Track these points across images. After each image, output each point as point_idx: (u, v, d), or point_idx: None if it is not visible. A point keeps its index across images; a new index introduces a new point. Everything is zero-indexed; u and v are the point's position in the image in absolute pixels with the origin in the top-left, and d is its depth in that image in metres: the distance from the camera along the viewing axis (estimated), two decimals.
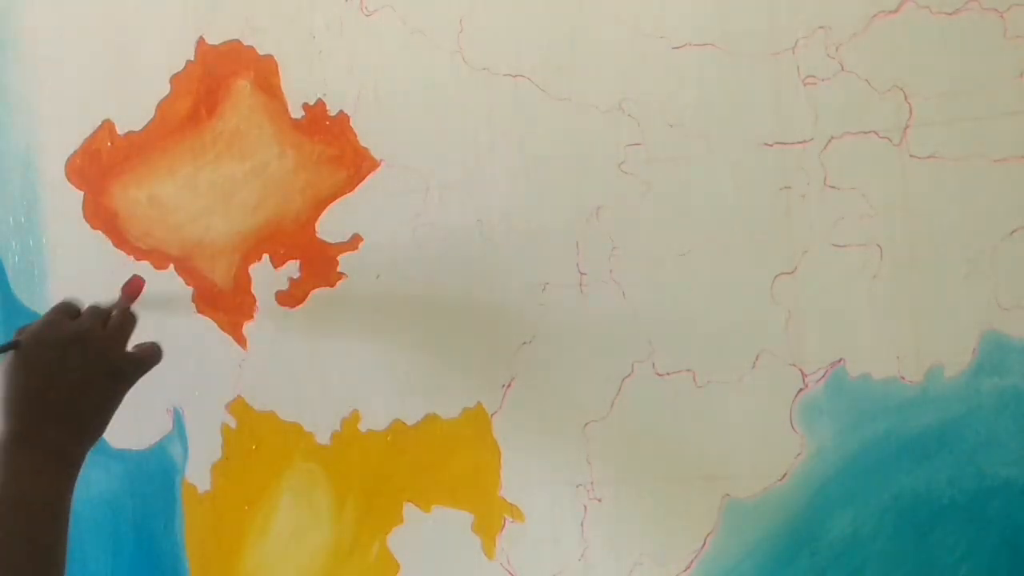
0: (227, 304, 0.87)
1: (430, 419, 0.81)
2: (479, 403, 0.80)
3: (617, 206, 0.76)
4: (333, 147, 0.83)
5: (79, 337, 0.73)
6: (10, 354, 0.71)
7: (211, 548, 0.88)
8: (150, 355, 0.77)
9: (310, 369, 0.85)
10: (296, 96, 0.84)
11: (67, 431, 0.71)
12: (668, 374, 0.75)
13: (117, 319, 0.76)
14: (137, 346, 0.77)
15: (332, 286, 0.84)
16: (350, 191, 0.83)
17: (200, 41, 0.87)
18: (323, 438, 0.84)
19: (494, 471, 0.79)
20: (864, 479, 0.70)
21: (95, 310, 0.76)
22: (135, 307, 0.80)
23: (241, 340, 0.87)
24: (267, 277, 0.86)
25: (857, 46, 0.70)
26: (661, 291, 0.75)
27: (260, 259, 0.86)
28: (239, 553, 0.87)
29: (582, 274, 0.77)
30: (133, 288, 0.81)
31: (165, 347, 0.89)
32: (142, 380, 0.89)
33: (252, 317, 0.86)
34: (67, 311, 0.76)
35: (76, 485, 0.71)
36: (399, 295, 0.82)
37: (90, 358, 0.73)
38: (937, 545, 0.69)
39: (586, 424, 0.77)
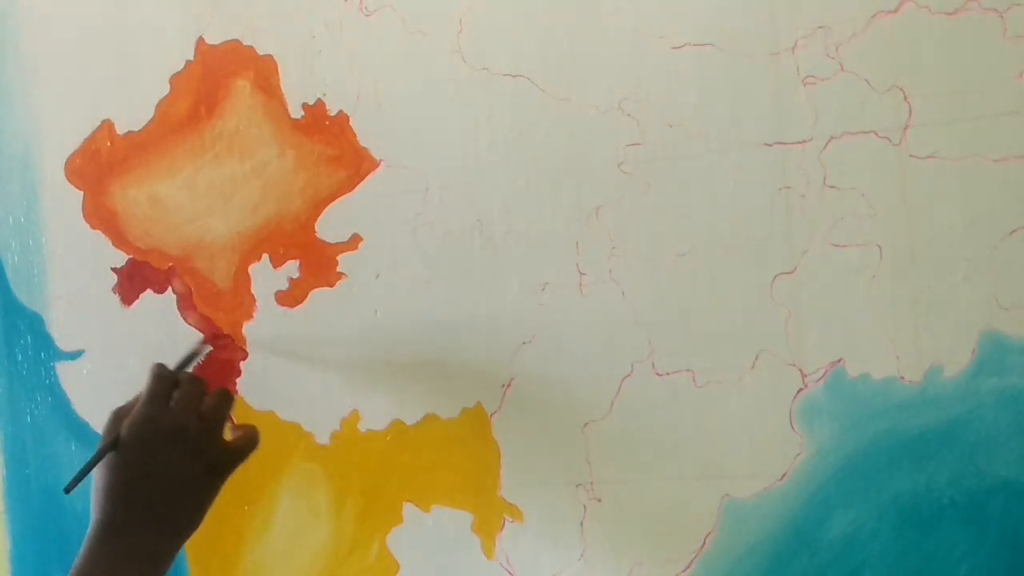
0: (227, 304, 0.87)
1: (430, 419, 0.81)
2: (479, 403, 0.80)
3: (617, 206, 0.76)
4: (333, 147, 0.83)
5: (176, 433, 0.72)
6: (110, 455, 0.71)
7: (211, 548, 0.88)
8: (247, 444, 0.76)
9: (310, 369, 0.85)
10: (296, 96, 0.84)
11: (159, 529, 0.70)
12: (668, 374, 0.75)
13: (213, 405, 0.75)
14: (235, 435, 0.77)
15: (332, 286, 0.84)
16: (350, 191, 0.83)
17: (200, 41, 0.87)
18: (323, 438, 0.84)
19: (494, 471, 0.79)
20: (864, 479, 0.70)
21: (190, 392, 0.74)
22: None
23: (241, 340, 0.87)
24: (267, 277, 0.86)
25: (857, 46, 0.70)
26: (661, 291, 0.75)
27: (260, 259, 0.86)
28: (239, 553, 0.87)
29: (582, 274, 0.77)
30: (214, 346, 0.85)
31: (165, 347, 0.89)
32: (141, 380, 0.90)
33: (252, 317, 0.86)
34: (163, 396, 0.74)
35: None
36: (399, 295, 0.82)
37: (187, 455, 0.72)
38: (937, 545, 0.69)
39: (586, 424, 0.77)
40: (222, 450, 0.75)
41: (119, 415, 0.75)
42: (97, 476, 0.72)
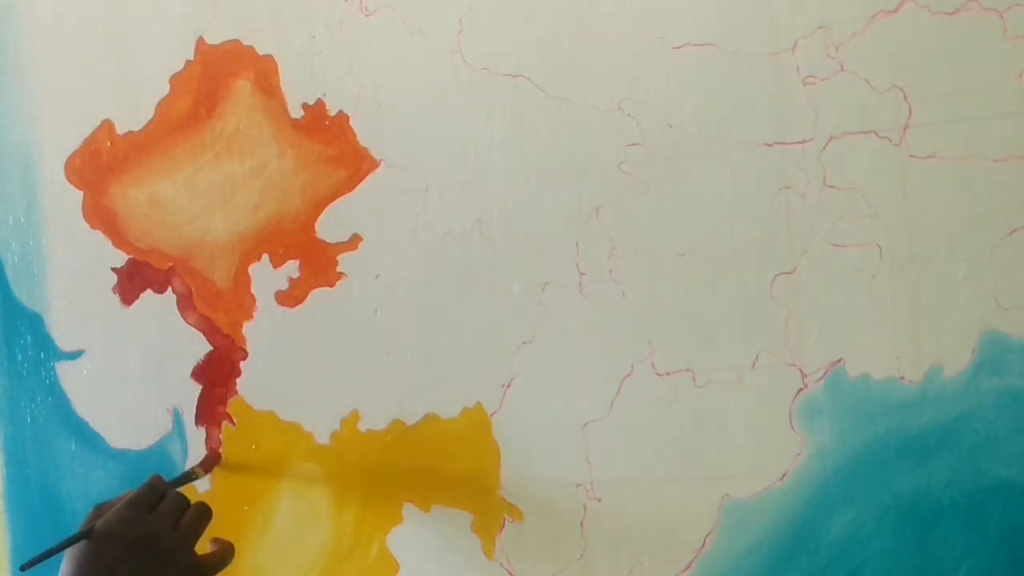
0: (227, 304, 0.87)
1: (430, 419, 0.81)
2: (479, 403, 0.80)
3: (617, 206, 0.76)
4: (333, 147, 0.83)
5: (149, 539, 0.72)
6: (80, 544, 0.71)
7: None
8: (219, 561, 0.76)
9: (310, 369, 0.85)
10: (296, 96, 0.84)
11: None
12: (668, 374, 0.75)
13: (191, 519, 0.75)
14: (212, 550, 0.77)
15: (332, 286, 0.84)
16: (350, 191, 0.83)
17: (200, 41, 0.87)
18: (323, 438, 0.84)
19: (494, 471, 0.79)
20: (864, 479, 0.70)
21: (172, 506, 0.75)
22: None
23: (241, 340, 0.87)
24: (267, 277, 0.86)
25: (857, 46, 0.70)
26: (661, 291, 0.75)
27: (260, 259, 0.86)
28: (239, 553, 0.87)
29: (582, 274, 0.77)
30: (210, 462, 0.86)
31: (166, 348, 0.89)
32: (141, 380, 0.90)
33: (252, 317, 0.86)
34: (145, 502, 0.75)
35: None
36: (399, 295, 0.82)
37: (156, 563, 0.71)
38: (937, 545, 0.69)
39: (586, 424, 0.77)
40: (192, 564, 0.75)
41: (100, 510, 0.75)
42: (64, 566, 0.71)
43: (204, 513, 0.77)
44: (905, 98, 0.69)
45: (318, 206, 0.84)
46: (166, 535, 0.73)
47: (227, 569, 0.86)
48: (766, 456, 0.72)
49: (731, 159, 0.73)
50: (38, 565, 0.73)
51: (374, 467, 0.83)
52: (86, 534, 0.71)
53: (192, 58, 0.88)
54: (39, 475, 0.93)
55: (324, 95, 0.84)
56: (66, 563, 0.71)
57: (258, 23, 0.85)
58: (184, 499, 0.77)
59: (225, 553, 0.77)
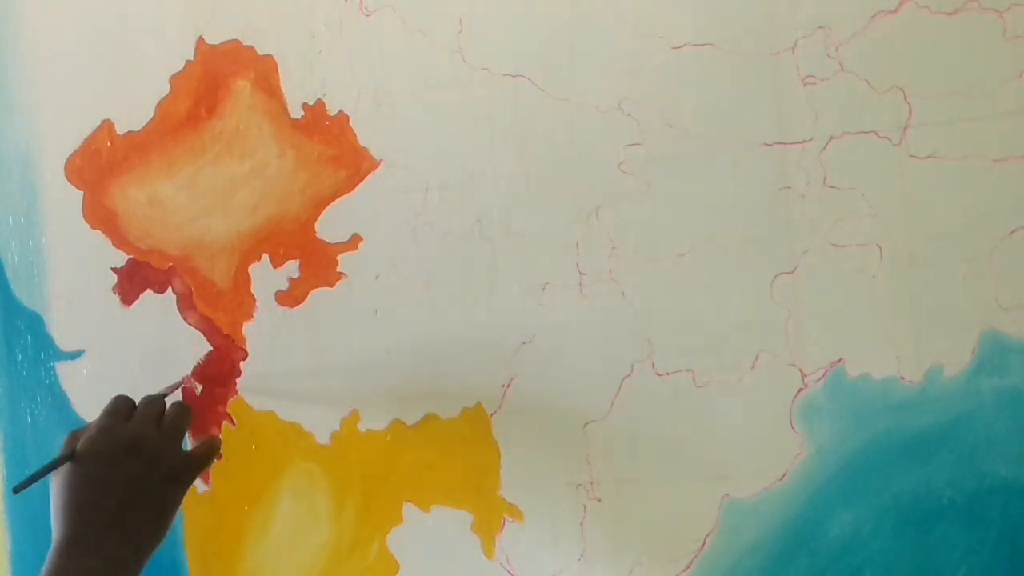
0: (227, 304, 0.87)
1: (430, 419, 0.81)
2: (479, 403, 0.80)
3: (617, 206, 0.76)
4: (333, 147, 0.83)
5: (134, 443, 0.72)
6: (66, 465, 0.71)
7: (211, 548, 0.88)
8: (207, 454, 0.77)
9: (310, 369, 0.85)
10: (296, 96, 0.84)
11: (123, 541, 0.69)
12: (668, 374, 0.75)
13: (171, 417, 0.75)
14: (195, 446, 0.77)
15: (332, 286, 0.84)
16: (350, 191, 0.83)
17: (200, 41, 0.87)
18: (323, 438, 0.84)
19: (494, 471, 0.79)
20: (864, 479, 0.70)
21: (148, 407, 0.75)
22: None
23: (241, 340, 0.87)
24: (267, 277, 0.86)
25: (857, 46, 0.70)
26: (661, 291, 0.75)
27: (260, 259, 0.86)
28: (239, 553, 0.87)
29: (582, 274, 0.77)
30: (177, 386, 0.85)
31: (166, 348, 0.89)
32: (142, 380, 0.90)
33: (252, 317, 0.86)
34: (121, 412, 0.74)
35: None
36: (399, 295, 0.82)
37: (146, 464, 0.71)
38: (937, 545, 0.69)
39: (586, 424, 0.77)
40: (181, 460, 0.75)
41: (76, 435, 0.75)
42: (55, 492, 0.71)
43: (184, 410, 0.77)
44: (905, 98, 0.69)
45: (318, 206, 0.84)
46: (150, 436, 0.73)
47: (226, 569, 0.86)
48: (766, 456, 0.72)
49: (731, 159, 0.73)
50: (28, 488, 0.72)
51: (374, 467, 0.83)
52: (69, 456, 0.71)
53: (192, 58, 0.88)
54: None
55: (324, 95, 0.84)
56: (58, 492, 0.70)
57: (258, 23, 0.85)
58: (160, 400, 0.76)
59: (212, 444, 0.77)
